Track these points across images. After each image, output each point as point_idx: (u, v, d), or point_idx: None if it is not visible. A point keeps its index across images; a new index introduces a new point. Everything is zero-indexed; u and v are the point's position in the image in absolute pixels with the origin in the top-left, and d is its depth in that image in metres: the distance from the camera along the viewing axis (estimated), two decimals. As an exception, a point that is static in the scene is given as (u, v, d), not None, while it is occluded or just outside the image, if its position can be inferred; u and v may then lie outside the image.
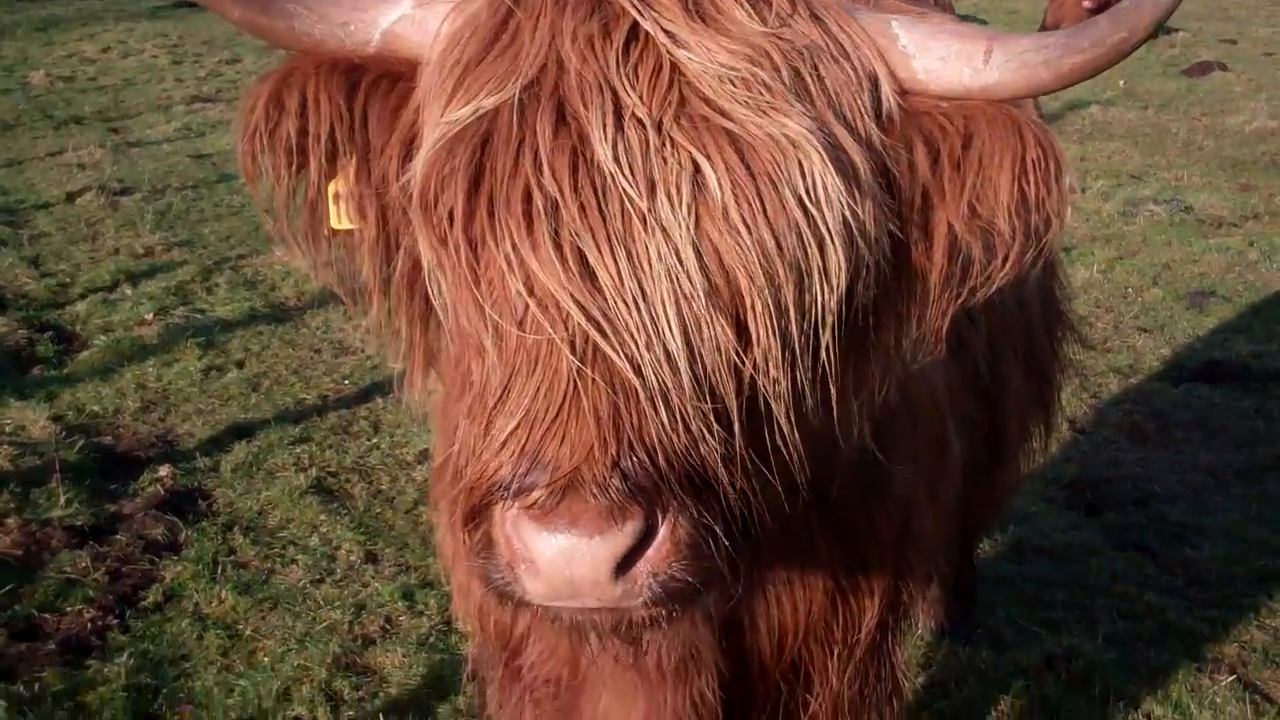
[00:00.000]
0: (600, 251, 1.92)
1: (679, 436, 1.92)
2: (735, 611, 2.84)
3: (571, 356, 1.92)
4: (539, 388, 1.93)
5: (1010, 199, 2.13)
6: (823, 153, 1.99)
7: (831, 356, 2.08)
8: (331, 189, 2.32)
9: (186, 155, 13.55)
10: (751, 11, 2.08)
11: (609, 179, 1.92)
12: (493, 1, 2.14)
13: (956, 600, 5.45)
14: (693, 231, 1.92)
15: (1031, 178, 2.13)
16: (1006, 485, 4.34)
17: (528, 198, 1.94)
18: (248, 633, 5.40)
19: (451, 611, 5.41)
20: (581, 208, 1.92)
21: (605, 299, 1.91)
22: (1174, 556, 6.20)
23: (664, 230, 1.91)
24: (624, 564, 1.88)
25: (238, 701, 4.97)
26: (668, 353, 1.92)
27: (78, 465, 6.68)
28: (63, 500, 6.25)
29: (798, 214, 1.97)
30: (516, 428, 1.92)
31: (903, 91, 2.18)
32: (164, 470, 6.72)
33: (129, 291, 9.29)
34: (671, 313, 1.92)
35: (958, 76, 2.17)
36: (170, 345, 8.34)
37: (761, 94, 2.00)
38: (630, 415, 1.90)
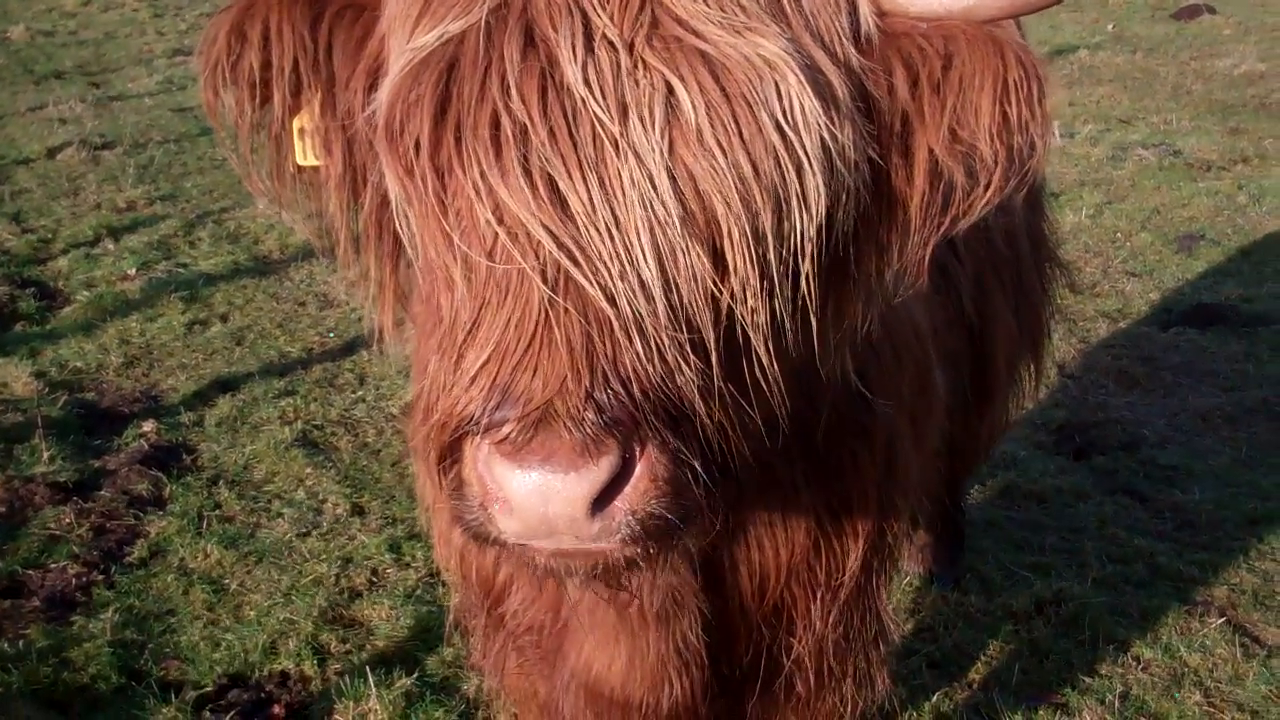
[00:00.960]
0: (571, 177, 1.85)
1: (655, 367, 1.86)
2: (715, 553, 2.82)
3: (543, 286, 1.86)
4: (510, 319, 1.87)
5: (991, 121, 2.07)
6: (800, 74, 1.93)
7: (811, 286, 2.03)
8: (296, 124, 2.25)
9: (168, 109, 13.47)
10: None
11: (579, 102, 1.86)
12: None
13: (945, 545, 5.43)
14: (666, 156, 1.86)
15: (1013, 99, 2.07)
16: (994, 426, 4.30)
17: (495, 123, 1.87)
18: (234, 587, 5.37)
19: (436, 562, 5.40)
20: (551, 132, 1.85)
21: (577, 226, 1.85)
22: (1163, 500, 6.18)
23: (637, 154, 1.85)
24: (600, 500, 1.83)
25: (224, 656, 4.94)
26: (642, 281, 1.86)
27: (61, 421, 6.64)
28: (46, 456, 6.21)
29: (775, 137, 1.91)
30: (487, 361, 1.86)
31: (881, 13, 2.12)
32: (148, 425, 6.68)
33: (111, 246, 9.24)
34: (645, 240, 1.86)
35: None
36: (153, 300, 8.28)
37: (736, 14, 1.94)
38: (604, 346, 1.85)
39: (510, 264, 1.88)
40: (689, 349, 1.89)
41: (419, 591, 5.34)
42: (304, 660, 4.91)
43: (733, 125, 1.88)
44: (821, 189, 1.95)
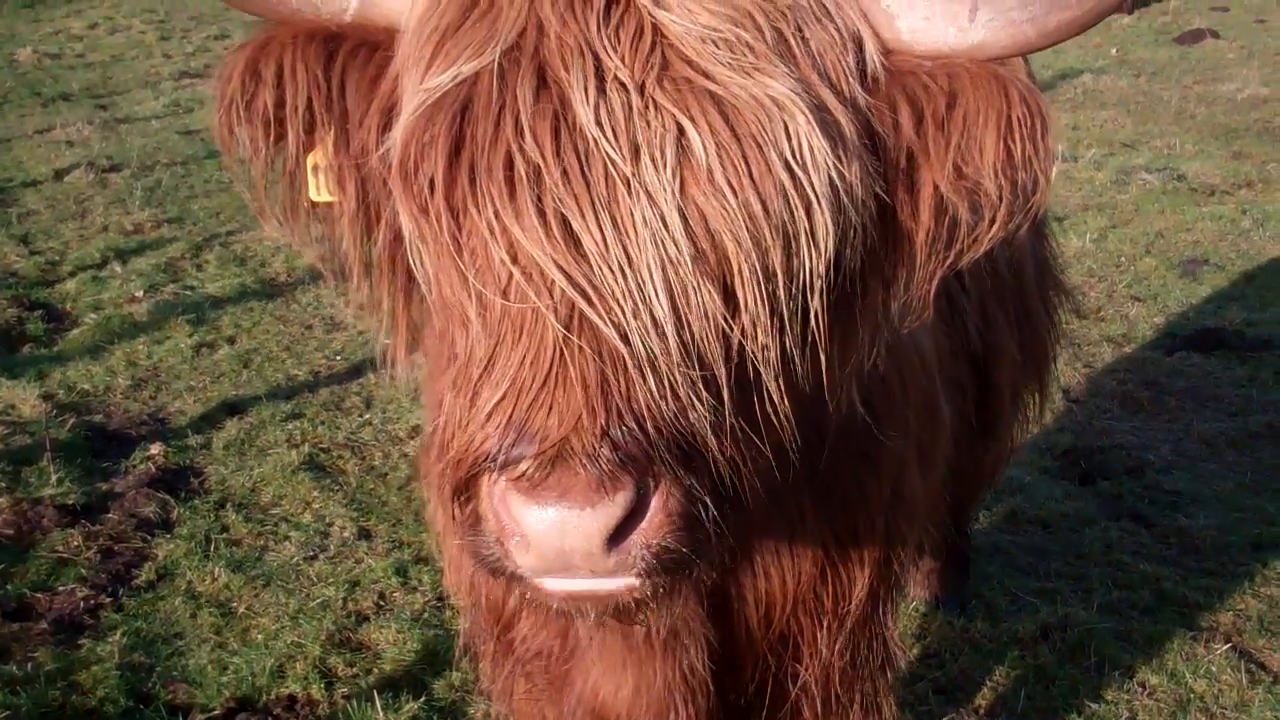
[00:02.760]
0: (584, 217, 1.88)
1: (668, 404, 1.88)
2: (722, 583, 2.84)
3: (557, 325, 1.88)
4: (524, 357, 1.90)
5: (995, 158, 2.10)
6: (808, 114, 1.95)
7: (820, 322, 2.06)
8: (310, 161, 2.28)
9: (175, 131, 13.52)
10: None
11: (592, 143, 1.89)
12: None
13: (951, 571, 5.44)
14: (678, 195, 1.89)
15: (1017, 136, 2.10)
16: (999, 453, 4.31)
17: (509, 164, 1.90)
18: (241, 610, 5.39)
19: (445, 587, 5.41)
20: (564, 173, 1.88)
21: (590, 265, 1.88)
22: (1168, 525, 6.18)
23: (649, 194, 1.88)
24: (616, 535, 1.85)
25: (232, 679, 4.95)
26: (655, 319, 1.88)
27: (69, 444, 6.66)
28: (54, 479, 6.24)
29: (784, 176, 1.94)
30: (502, 398, 1.89)
31: (887, 51, 2.15)
32: (155, 448, 6.70)
33: (119, 269, 9.27)
34: (658, 279, 1.88)
35: (943, 36, 2.13)
36: (161, 322, 8.31)
37: (745, 55, 1.97)
38: (619, 383, 1.87)
39: (525, 303, 1.91)
40: (701, 386, 1.92)
41: (426, 615, 5.36)
42: (312, 684, 4.92)
43: (742, 165, 1.91)
44: (830, 227, 1.98)
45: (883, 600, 3.10)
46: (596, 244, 1.88)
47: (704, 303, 1.91)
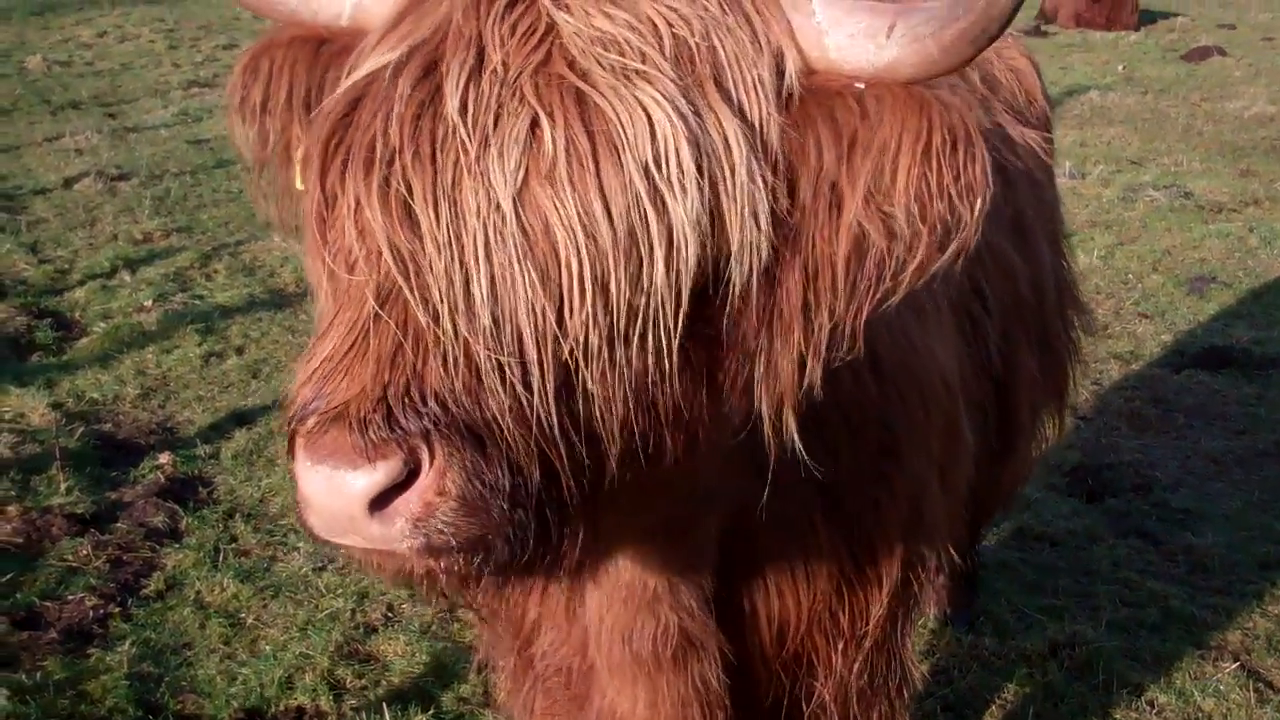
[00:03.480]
0: (425, 199, 1.92)
1: (461, 385, 1.90)
2: (733, 597, 2.86)
3: (371, 298, 1.93)
4: (346, 327, 1.96)
5: (910, 186, 2.04)
6: (679, 124, 1.94)
7: (669, 343, 2.01)
8: (299, 154, 2.33)
9: (184, 140, 13.55)
10: None
11: (450, 129, 1.93)
12: None
13: (959, 587, 5.44)
14: (517, 186, 1.90)
15: (934, 164, 2.03)
16: (1016, 473, 4.30)
17: (371, 147, 1.96)
18: (250, 621, 5.40)
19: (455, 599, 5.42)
20: (416, 155, 1.93)
21: (421, 245, 1.91)
22: (1176, 543, 6.19)
23: (489, 182, 1.90)
24: (379, 501, 1.87)
25: (240, 690, 4.96)
26: (470, 303, 1.90)
27: (78, 453, 6.67)
28: (63, 488, 6.25)
29: (640, 184, 1.92)
30: (320, 364, 1.94)
31: (811, 70, 2.11)
32: (164, 457, 6.71)
33: (128, 278, 9.28)
34: (481, 263, 1.90)
35: (864, 54, 2.07)
36: (170, 332, 8.32)
37: (632, 60, 1.97)
38: (414, 358, 1.90)
39: (361, 276, 1.97)
40: (510, 376, 1.92)
41: (434, 627, 5.36)
42: (320, 696, 4.92)
43: (591, 166, 1.91)
44: (689, 242, 1.95)
45: (901, 621, 3.10)
46: (430, 225, 1.91)
47: (527, 296, 1.92)
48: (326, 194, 2.03)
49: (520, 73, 1.95)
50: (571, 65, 1.95)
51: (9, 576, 5.51)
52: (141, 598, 5.53)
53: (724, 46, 2.04)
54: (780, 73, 2.07)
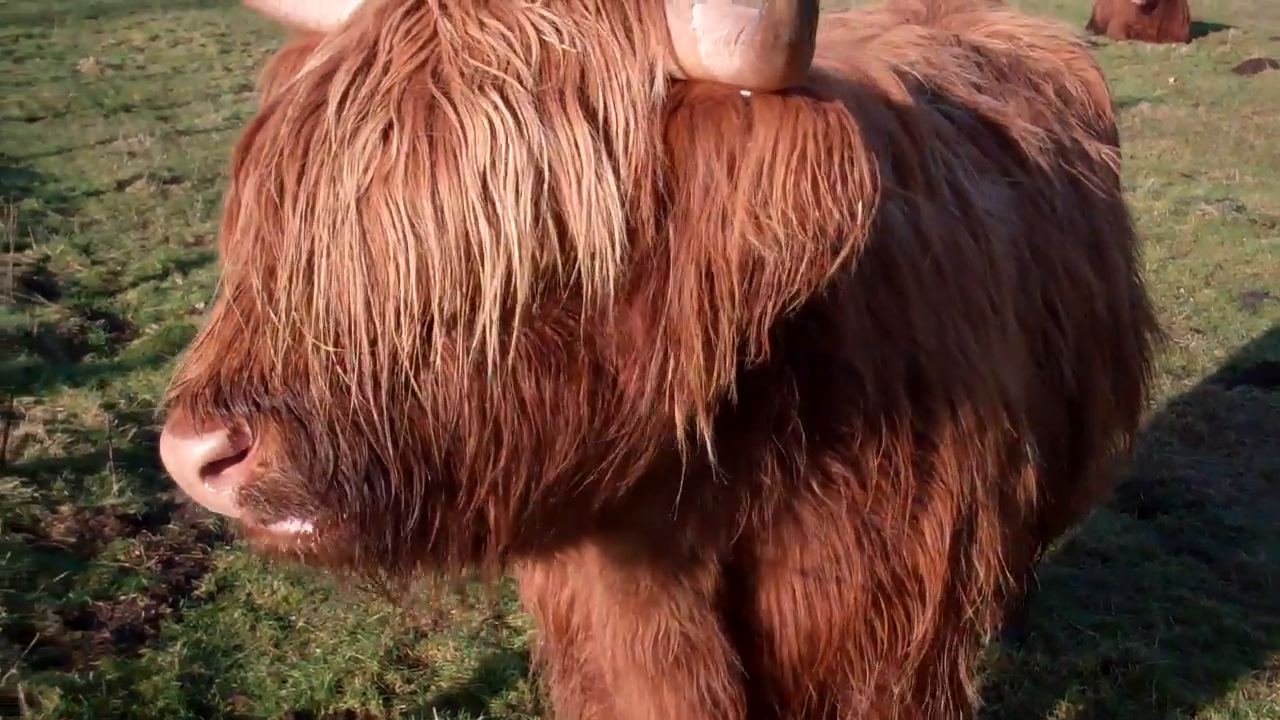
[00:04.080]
0: (290, 195, 2.03)
1: (291, 370, 2.03)
2: (753, 607, 2.86)
3: (230, 286, 2.10)
4: (215, 315, 2.13)
5: (789, 196, 2.04)
6: (520, 131, 1.99)
7: (506, 342, 2.06)
8: None
9: (234, 144, 13.60)
10: None
11: (325, 131, 2.02)
12: None
13: (1011, 602, 5.40)
14: (362, 187, 1.98)
15: (810, 173, 2.03)
16: (1085, 496, 4.22)
17: (261, 148, 2.10)
18: (300, 624, 5.42)
19: (502, 606, 5.44)
20: (292, 154, 2.04)
21: (281, 239, 2.03)
22: (1229, 561, 6.14)
23: (339, 184, 1.99)
24: (210, 469, 2.04)
25: (290, 693, 4.98)
26: (310, 295, 2.01)
27: (130, 454, 6.71)
28: (115, 489, 6.29)
29: (472, 189, 1.98)
30: (193, 348, 2.13)
31: (692, 79, 2.11)
32: (216, 460, 6.72)
33: (179, 280, 9.36)
34: (323, 258, 2.00)
35: (723, 63, 2.06)
36: (221, 334, 8.34)
37: (491, 67, 2.03)
38: (249, 343, 2.05)
39: (233, 267, 2.13)
40: (337, 367, 2.03)
41: (483, 633, 5.37)
42: (370, 700, 4.94)
43: (426, 170, 1.98)
44: (523, 246, 2.00)
45: (952, 645, 3.06)
46: (288, 219, 2.02)
47: (354, 291, 2.00)
48: (236, 193, 2.15)
49: (395, 78, 2.04)
50: (436, 72, 2.04)
51: (62, 576, 5.55)
52: (193, 599, 5.57)
53: (593, 55, 2.07)
54: (652, 82, 2.09)
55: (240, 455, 2.05)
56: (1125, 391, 4.10)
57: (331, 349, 2.02)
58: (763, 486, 2.62)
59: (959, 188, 3.01)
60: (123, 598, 5.50)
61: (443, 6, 2.08)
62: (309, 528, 2.11)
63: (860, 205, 2.06)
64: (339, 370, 2.03)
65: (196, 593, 5.61)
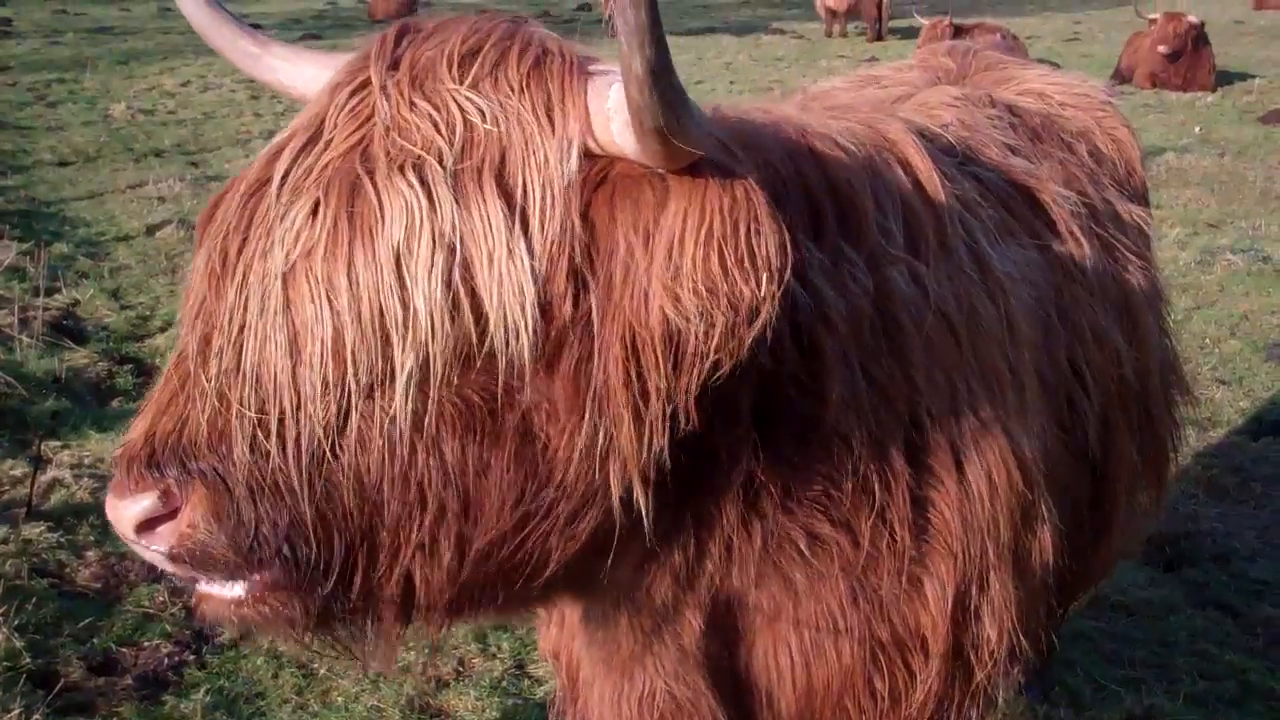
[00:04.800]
0: (231, 268, 2.13)
1: (217, 435, 2.13)
2: (747, 664, 2.87)
3: (175, 353, 2.23)
4: (160, 380, 2.25)
5: (698, 271, 2.09)
6: (432, 210, 2.07)
7: (423, 411, 2.14)
8: None
9: (264, 190, 13.72)
10: (457, 73, 2.19)
11: (267, 207, 2.12)
12: None
13: (1035, 656, 5.37)
14: (289, 262, 2.08)
15: (717, 247, 2.08)
16: (1108, 559, 4.20)
17: (210, 220, 2.23)
18: (322, 672, 5.42)
19: (524, 656, 5.43)
20: (236, 228, 2.16)
21: (220, 309, 2.13)
22: (1255, 615, 6.09)
23: (267, 258, 2.09)
24: (145, 526, 2.15)
25: (312, 741, 4.99)
26: (239, 361, 2.10)
27: (156, 499, 6.71)
28: (141, 534, 6.28)
29: (386, 265, 2.06)
30: (141, 410, 2.24)
31: (612, 157, 2.17)
32: (240, 506, 6.74)
33: (207, 326, 9.38)
34: (251, 328, 2.09)
35: (627, 141, 2.12)
36: (247, 380, 8.38)
37: (415, 147, 2.11)
38: (180, 408, 2.16)
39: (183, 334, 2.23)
40: (259, 432, 2.12)
41: (505, 683, 5.36)
42: (391, 749, 4.94)
43: (344, 247, 2.07)
44: (435, 321, 2.08)
45: (963, 706, 3.04)
46: (226, 291, 2.12)
47: (277, 361, 2.09)
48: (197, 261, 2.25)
49: (331, 155, 2.15)
50: (366, 151, 2.13)
51: (87, 621, 5.56)
52: (216, 646, 5.57)
53: (514, 134, 2.15)
54: (569, 159, 2.15)
55: (173, 513, 2.15)
56: (1152, 456, 4.07)
57: (254, 415, 2.10)
58: (734, 547, 2.66)
59: (978, 250, 3.01)
60: (146, 644, 5.51)
61: (382, 87, 2.18)
62: (241, 593, 2.22)
63: (766, 279, 2.11)
64: (260, 435, 2.12)
65: (219, 640, 5.61)
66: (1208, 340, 9.68)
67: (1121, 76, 22.51)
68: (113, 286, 10.23)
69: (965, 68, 4.35)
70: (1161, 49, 21.44)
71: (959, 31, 22.13)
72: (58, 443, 7.25)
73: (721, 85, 22.20)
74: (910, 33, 27.47)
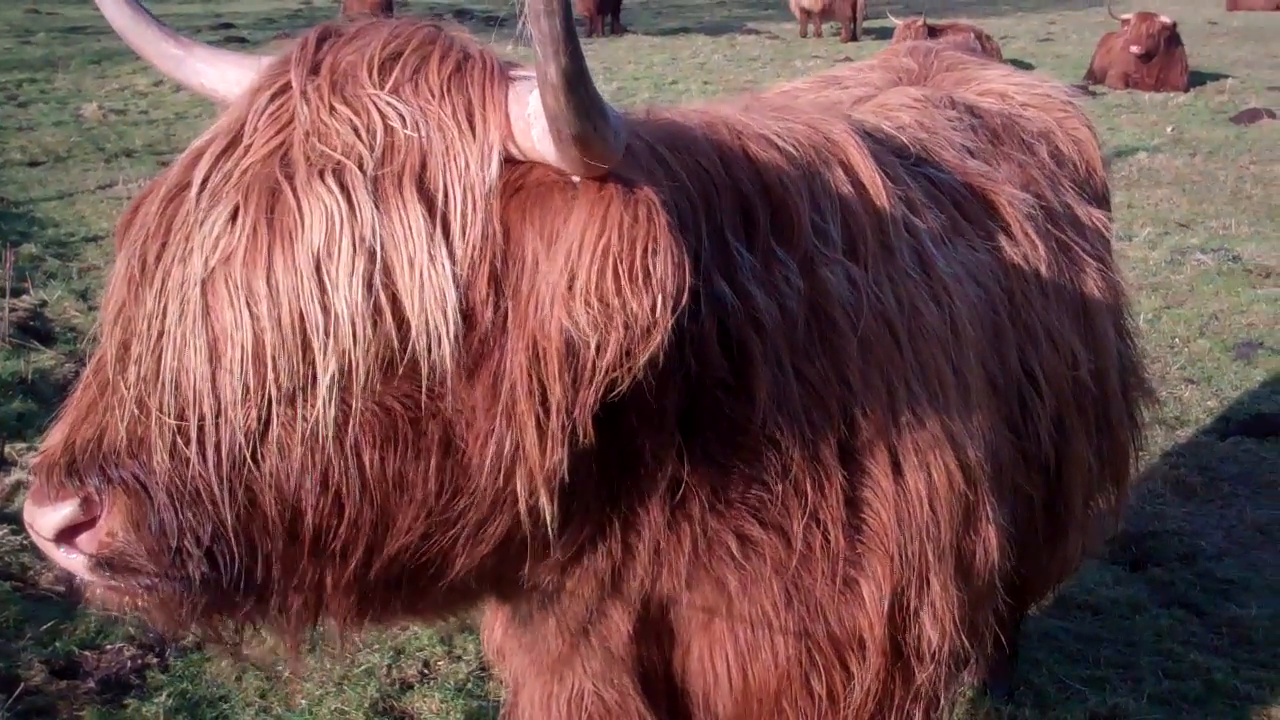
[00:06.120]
0: (150, 273, 2.12)
1: (136, 441, 2.12)
2: (684, 665, 2.88)
3: (93, 359, 2.22)
4: (79, 386, 2.23)
5: (593, 285, 2.09)
6: (352, 215, 2.06)
7: (345, 415, 2.13)
8: None
9: (235, 190, 13.66)
10: (378, 78, 2.19)
11: (185, 212, 2.11)
12: None
13: (999, 656, 5.38)
14: (208, 268, 2.07)
15: (612, 263, 2.08)
16: (1065, 562, 4.16)
17: (130, 224, 2.22)
18: (286, 675, 5.39)
19: (488, 657, 5.41)
20: (155, 233, 2.14)
21: (137, 314, 2.12)
22: (1220, 614, 6.12)
23: (186, 261, 2.08)
24: (65, 534, 2.14)
25: (275, 744, 4.96)
26: (158, 368, 2.09)
27: (121, 501, 6.68)
28: (105, 536, 6.25)
29: (306, 270, 2.06)
30: (59, 416, 2.23)
31: (530, 163, 2.18)
32: (206, 508, 6.71)
33: (175, 327, 9.33)
34: (171, 333, 2.08)
35: (546, 147, 2.13)
36: (215, 381, 8.35)
37: (334, 153, 2.11)
38: (98, 415, 2.15)
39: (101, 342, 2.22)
40: (179, 439, 2.11)
41: (470, 685, 5.35)
42: (354, 752, 4.92)
43: (264, 253, 2.06)
44: (355, 325, 2.07)
45: (906, 707, 3.03)
46: (145, 295, 2.12)
47: (196, 366, 2.08)
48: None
49: (251, 160, 2.13)
50: (286, 157, 2.12)
51: (49, 624, 5.53)
52: (179, 649, 5.53)
53: (435, 139, 2.15)
54: (489, 165, 2.15)
55: (92, 522, 2.13)
56: (1111, 458, 4.07)
57: (174, 422, 2.09)
58: (662, 550, 2.65)
59: (922, 252, 3.01)
60: (109, 647, 5.48)
61: (303, 92, 2.17)
62: (143, 588, 2.20)
63: (661, 299, 2.10)
64: (180, 442, 2.10)
65: (183, 643, 5.58)
66: (1177, 339, 9.72)
67: (1094, 77, 22.60)
68: (81, 288, 10.16)
69: (927, 68, 4.35)
70: (1134, 49, 21.52)
71: (933, 32, 22.11)
72: (23, 444, 7.21)
73: (696, 85, 22.16)
74: (885, 33, 27.47)
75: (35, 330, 9.13)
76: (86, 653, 5.43)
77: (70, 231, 11.82)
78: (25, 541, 6.08)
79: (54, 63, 22.63)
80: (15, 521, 6.27)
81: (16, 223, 12.03)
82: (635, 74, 23.06)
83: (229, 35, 27.65)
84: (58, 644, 5.45)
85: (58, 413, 2.27)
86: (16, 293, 9.59)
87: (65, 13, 31.45)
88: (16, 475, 6.77)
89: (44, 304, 9.71)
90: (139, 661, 5.41)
